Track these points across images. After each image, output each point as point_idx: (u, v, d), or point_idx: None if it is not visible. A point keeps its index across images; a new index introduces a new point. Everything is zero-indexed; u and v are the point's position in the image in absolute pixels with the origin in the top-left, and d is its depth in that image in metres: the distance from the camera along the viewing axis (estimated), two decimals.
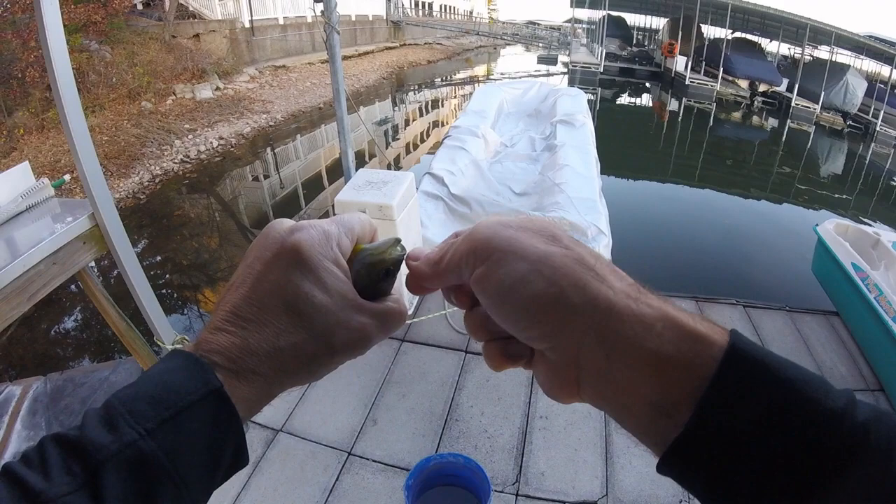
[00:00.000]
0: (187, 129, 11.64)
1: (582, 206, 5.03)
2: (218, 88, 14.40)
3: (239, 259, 0.56)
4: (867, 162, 19.38)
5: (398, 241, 0.48)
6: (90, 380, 3.94)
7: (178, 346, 3.15)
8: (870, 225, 6.37)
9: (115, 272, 6.03)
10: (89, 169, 2.34)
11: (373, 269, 0.46)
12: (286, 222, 0.46)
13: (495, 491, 2.60)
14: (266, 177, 10.63)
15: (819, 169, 16.93)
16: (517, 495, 2.69)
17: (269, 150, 11.90)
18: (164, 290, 6.46)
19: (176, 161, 10.25)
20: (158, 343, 3.09)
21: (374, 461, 2.80)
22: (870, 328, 4.21)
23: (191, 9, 17.53)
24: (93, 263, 2.70)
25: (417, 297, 4.16)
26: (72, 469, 0.32)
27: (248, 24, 18.16)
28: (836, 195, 13.93)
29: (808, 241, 5.49)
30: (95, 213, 2.44)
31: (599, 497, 2.76)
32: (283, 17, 20.07)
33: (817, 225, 5.33)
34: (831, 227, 5.23)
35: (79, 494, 0.31)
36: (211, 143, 11.26)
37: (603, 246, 4.54)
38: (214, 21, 17.16)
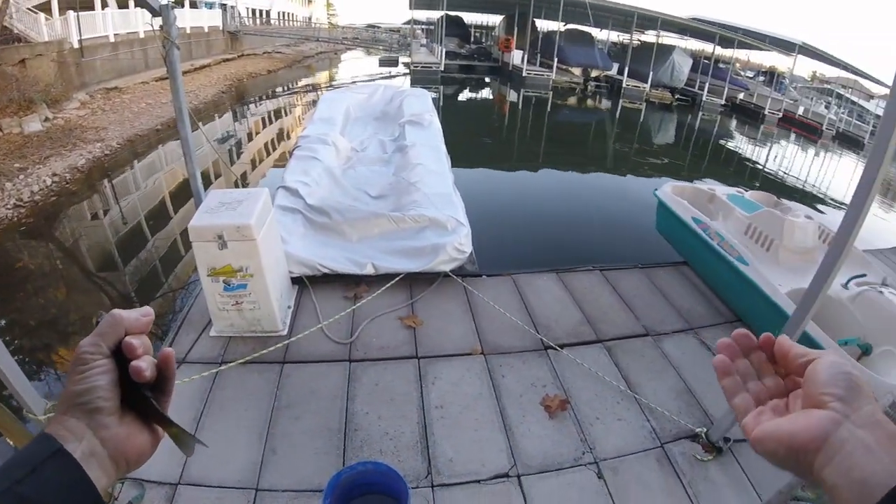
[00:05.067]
0: (17, 168, 10.23)
1: (439, 201, 5.21)
2: (47, 119, 12.86)
3: (88, 308, 0.56)
4: (696, 129, 22.02)
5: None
6: None
7: (51, 415, 2.78)
8: (705, 183, 7.17)
9: None
10: None
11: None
12: None
13: (411, 488, 2.59)
14: (106, 212, 9.68)
15: (653, 140, 18.79)
16: (433, 487, 2.72)
17: (106, 182, 10.86)
18: (16, 357, 5.57)
19: (9, 207, 8.96)
20: (29, 415, 2.71)
21: (284, 491, 2.67)
22: (718, 270, 4.82)
23: (16, 31, 15.45)
24: None
25: (290, 315, 4.03)
26: None
27: (76, 45, 16.41)
28: (672, 161, 15.58)
29: (652, 204, 6.06)
30: None
31: (509, 468, 2.87)
32: (115, 35, 18.36)
33: (657, 189, 5.92)
34: (669, 189, 5.85)
35: None
36: (44, 181, 9.99)
37: (464, 236, 4.73)
38: (41, 44, 15.20)
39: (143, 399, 0.58)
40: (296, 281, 4.41)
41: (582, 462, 2.99)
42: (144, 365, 0.57)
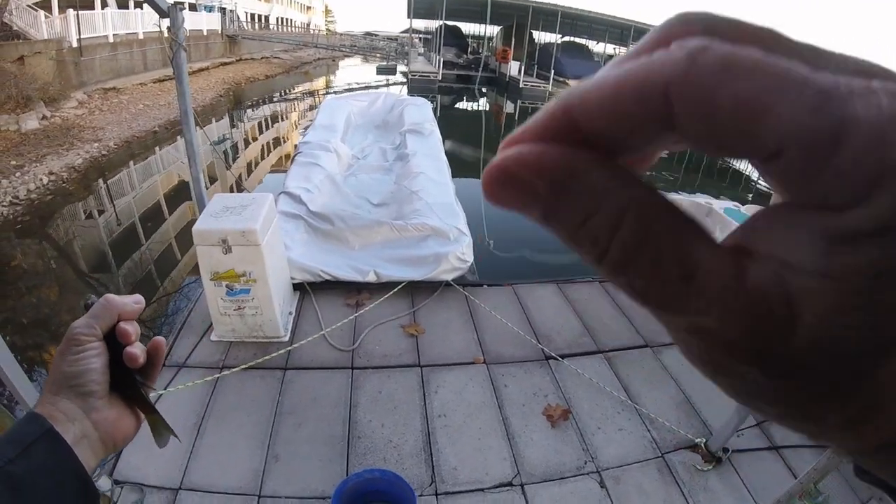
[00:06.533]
0: (14, 165, 10.20)
1: (441, 210, 5.22)
2: (45, 117, 12.82)
3: (80, 310, 0.57)
4: None
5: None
6: None
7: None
8: (702, 196, 7.25)
9: None
10: None
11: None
12: None
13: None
14: (101, 212, 9.65)
15: None
16: (437, 495, 2.72)
17: (102, 182, 10.83)
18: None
19: (5, 204, 8.92)
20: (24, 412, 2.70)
21: (287, 498, 2.66)
22: None
23: (15, 28, 15.39)
24: None
25: (292, 322, 4.02)
26: None
27: (75, 44, 16.35)
28: (666, 174, 15.70)
29: None
30: None
31: (513, 477, 2.88)
32: (114, 35, 18.31)
33: None
34: None
35: None
36: (41, 179, 9.95)
37: (465, 245, 4.75)
38: (40, 41, 15.13)
39: (132, 384, 0.61)
40: (297, 287, 4.40)
41: (584, 471, 3.00)
42: (139, 352, 0.60)
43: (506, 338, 4.11)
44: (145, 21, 19.17)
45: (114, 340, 0.60)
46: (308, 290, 4.39)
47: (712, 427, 3.48)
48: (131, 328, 0.61)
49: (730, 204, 6.17)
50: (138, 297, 0.64)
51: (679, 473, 3.10)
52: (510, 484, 2.84)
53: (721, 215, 5.69)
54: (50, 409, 0.55)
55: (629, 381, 3.82)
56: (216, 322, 3.77)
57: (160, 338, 0.64)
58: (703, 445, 3.28)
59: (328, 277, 4.42)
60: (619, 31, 28.92)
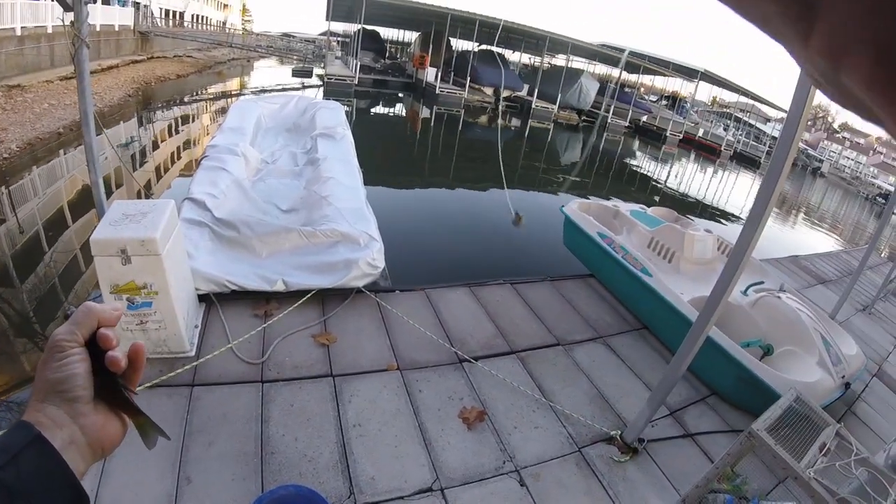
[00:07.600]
0: None
1: (351, 216, 5.15)
2: None
3: None
4: (601, 149, 23.28)
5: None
6: None
7: None
8: (609, 199, 7.57)
9: None
10: None
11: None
12: None
13: None
14: (2, 221, 8.88)
15: (560, 158, 19.64)
16: None
17: (3, 188, 9.97)
18: None
19: None
20: None
21: None
22: (624, 281, 5.10)
23: None
24: None
25: (198, 335, 3.83)
26: None
27: None
28: (578, 179, 16.30)
29: (559, 220, 6.31)
30: None
31: (432, 482, 2.88)
32: (22, 28, 16.85)
33: (563, 206, 6.19)
34: (576, 206, 6.14)
35: None
36: None
37: (376, 251, 4.71)
38: None
39: (116, 388, 0.61)
40: (202, 298, 4.20)
41: (503, 471, 3.05)
42: (120, 355, 0.61)
43: (419, 343, 4.11)
44: (55, 14, 17.86)
45: (95, 347, 0.61)
46: (214, 301, 4.19)
47: (626, 419, 3.64)
48: (112, 334, 0.61)
49: (636, 206, 6.47)
50: (117, 306, 0.68)
51: (597, 466, 3.22)
52: (430, 489, 2.83)
53: (627, 216, 5.96)
54: (37, 416, 0.55)
55: (543, 380, 3.92)
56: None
57: (140, 342, 0.64)
58: (618, 437, 3.42)
59: (235, 287, 4.23)
60: (535, 41, 29.85)
